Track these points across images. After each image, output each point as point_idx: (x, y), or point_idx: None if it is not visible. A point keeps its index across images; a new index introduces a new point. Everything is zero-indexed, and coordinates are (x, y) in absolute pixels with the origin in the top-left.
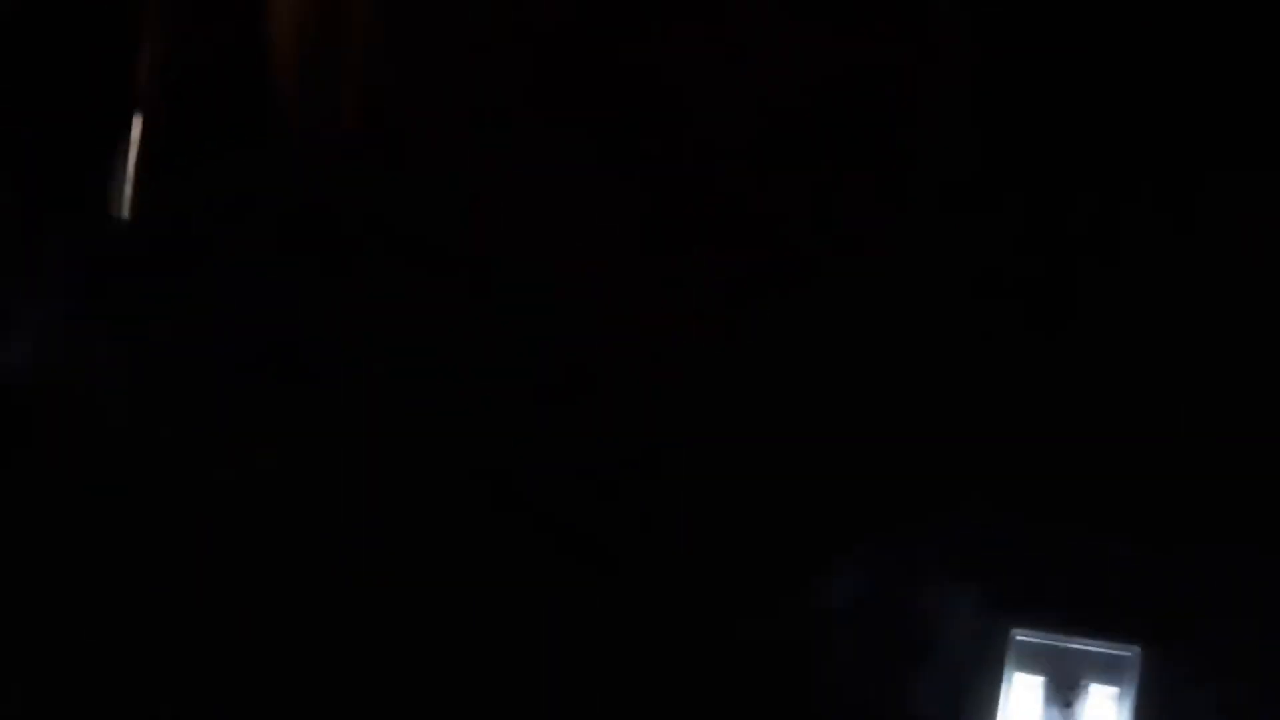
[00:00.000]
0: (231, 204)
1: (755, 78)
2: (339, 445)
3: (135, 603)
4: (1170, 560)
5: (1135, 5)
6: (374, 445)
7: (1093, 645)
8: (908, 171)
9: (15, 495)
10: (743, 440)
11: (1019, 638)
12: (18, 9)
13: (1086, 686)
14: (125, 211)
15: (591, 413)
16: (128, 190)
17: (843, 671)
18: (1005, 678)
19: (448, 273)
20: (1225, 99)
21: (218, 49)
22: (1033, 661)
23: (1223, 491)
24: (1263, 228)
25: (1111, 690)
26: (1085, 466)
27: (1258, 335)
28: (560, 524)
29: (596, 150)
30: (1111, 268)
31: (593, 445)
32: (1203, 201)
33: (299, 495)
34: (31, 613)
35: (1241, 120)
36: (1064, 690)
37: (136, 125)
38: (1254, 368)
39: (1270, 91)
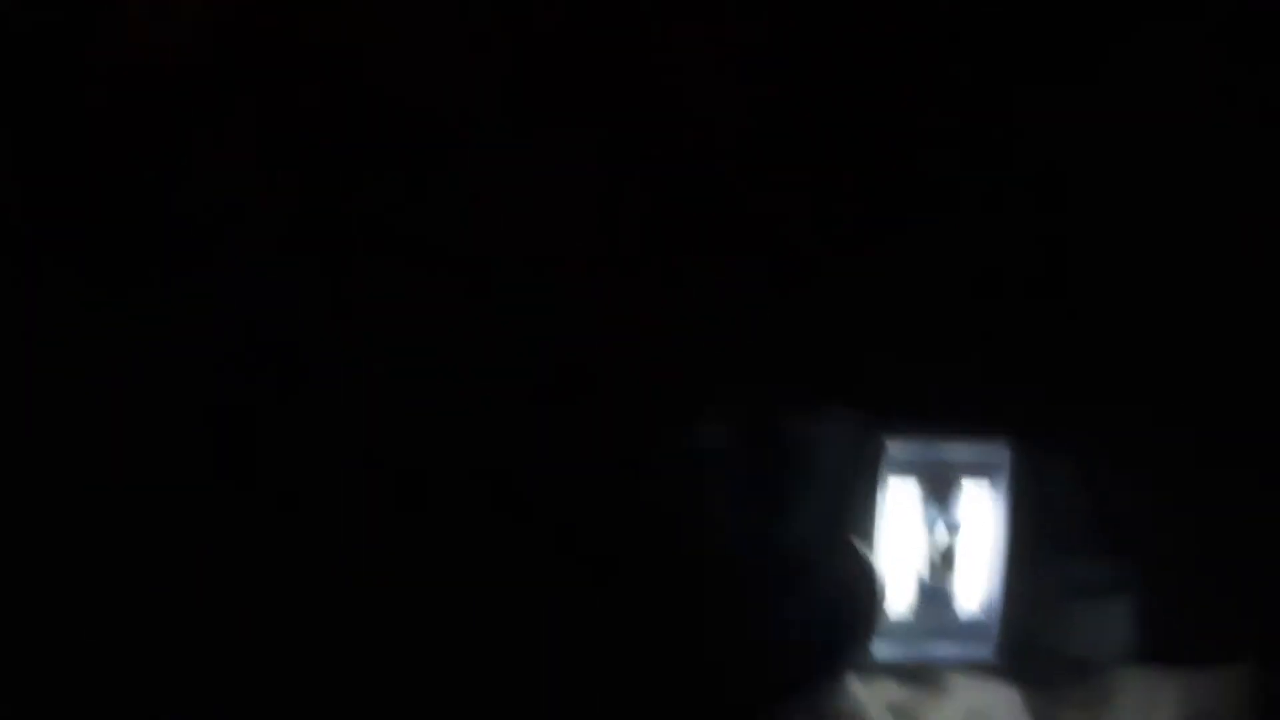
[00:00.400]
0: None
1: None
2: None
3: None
4: (1035, 356)
5: None
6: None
7: (963, 445)
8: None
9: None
10: None
11: (891, 446)
12: None
13: (960, 484)
14: None
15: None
16: None
17: (725, 498)
18: (881, 485)
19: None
20: None
21: None
22: (906, 466)
23: (1083, 285)
24: None
25: (984, 484)
26: (942, 268)
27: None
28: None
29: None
30: None
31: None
32: None
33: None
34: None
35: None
36: (939, 489)
37: None
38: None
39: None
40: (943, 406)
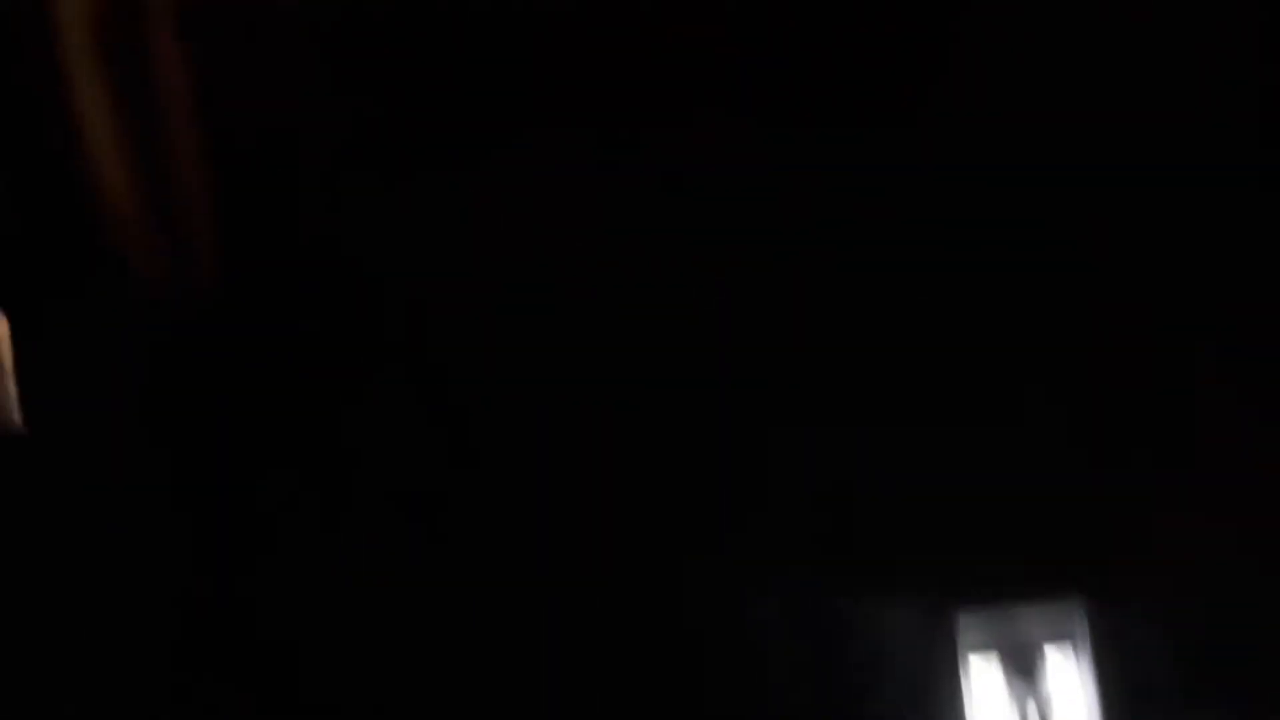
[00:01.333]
0: None
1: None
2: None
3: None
4: (1099, 511)
5: None
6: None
7: (1037, 608)
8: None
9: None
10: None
11: (965, 620)
12: None
13: (1042, 648)
14: None
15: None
16: None
17: (802, 694)
18: (962, 662)
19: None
20: None
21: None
22: (984, 639)
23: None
24: None
25: (1065, 647)
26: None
27: None
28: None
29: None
30: None
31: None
32: None
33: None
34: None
35: None
36: (1020, 658)
37: None
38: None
39: None
40: (1009, 571)
